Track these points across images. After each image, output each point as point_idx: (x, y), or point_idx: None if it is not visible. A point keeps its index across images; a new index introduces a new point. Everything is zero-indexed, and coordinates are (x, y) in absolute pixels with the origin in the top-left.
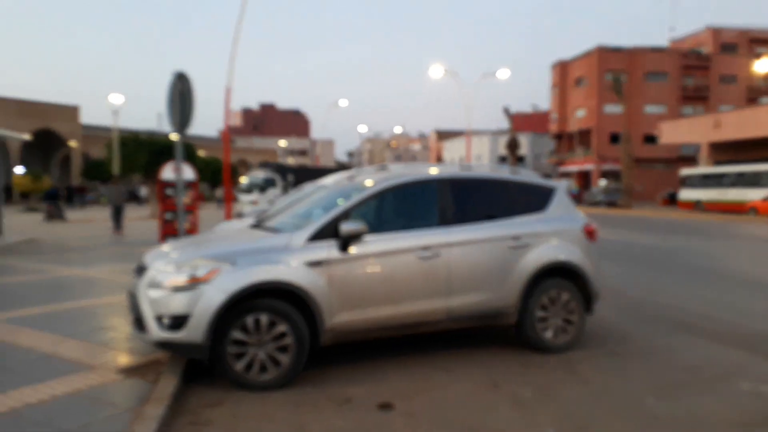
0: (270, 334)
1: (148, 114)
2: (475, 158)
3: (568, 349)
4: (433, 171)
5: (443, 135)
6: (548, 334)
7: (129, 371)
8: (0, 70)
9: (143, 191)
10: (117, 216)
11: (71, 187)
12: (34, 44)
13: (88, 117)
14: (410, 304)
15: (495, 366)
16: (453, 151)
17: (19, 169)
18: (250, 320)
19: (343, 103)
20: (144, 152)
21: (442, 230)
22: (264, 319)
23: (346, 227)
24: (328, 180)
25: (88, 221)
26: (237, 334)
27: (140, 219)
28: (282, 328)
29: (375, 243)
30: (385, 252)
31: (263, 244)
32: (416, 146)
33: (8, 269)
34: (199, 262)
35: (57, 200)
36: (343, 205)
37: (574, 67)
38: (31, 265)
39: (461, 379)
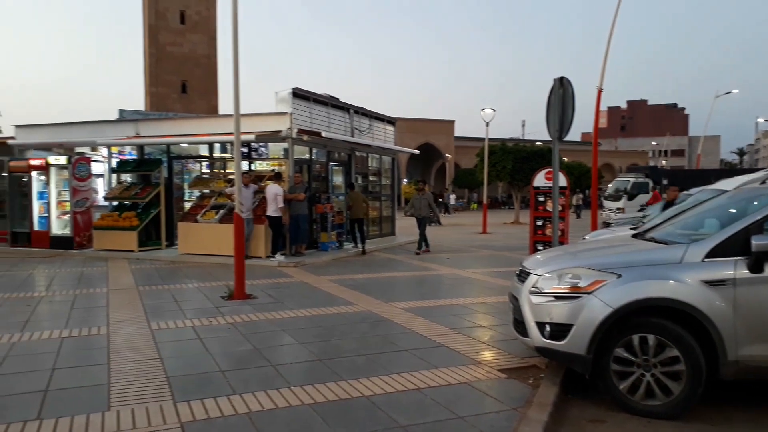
0: (658, 357)
1: (514, 121)
2: None
3: None
4: None
5: None
6: None
7: (509, 371)
8: (396, 96)
9: (452, 200)
10: (422, 230)
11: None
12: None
13: (458, 130)
14: None
15: None
16: None
17: (404, 180)
18: (635, 339)
19: (733, 91)
20: (509, 159)
21: None
22: (652, 339)
23: (761, 242)
24: (726, 184)
25: (458, 225)
26: (621, 352)
27: (504, 224)
28: (673, 352)
29: None
30: None
31: (651, 257)
32: None
33: (403, 265)
34: (581, 272)
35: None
36: (755, 214)
37: None
38: (417, 263)
39: None
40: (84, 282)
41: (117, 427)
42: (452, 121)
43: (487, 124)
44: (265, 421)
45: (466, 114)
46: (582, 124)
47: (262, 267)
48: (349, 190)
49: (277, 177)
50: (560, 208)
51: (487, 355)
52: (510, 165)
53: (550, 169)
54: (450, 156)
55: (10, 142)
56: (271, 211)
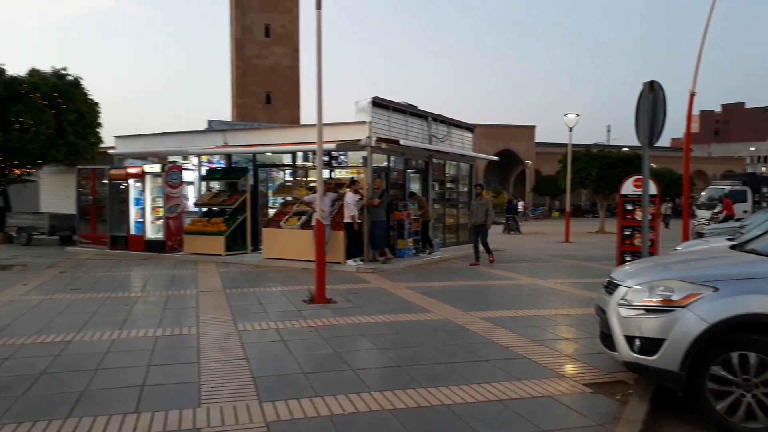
0: (760, 377)
1: (598, 127)
2: None
3: None
4: None
5: None
6: None
7: (595, 386)
8: (474, 101)
9: (520, 207)
10: (480, 239)
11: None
12: (491, 71)
13: (539, 135)
14: None
15: None
16: None
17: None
18: (735, 357)
19: None
20: (594, 166)
21: None
22: (753, 358)
23: None
24: None
25: (538, 234)
26: (718, 370)
27: (588, 233)
28: None
29: None
30: None
31: (752, 270)
32: None
33: (480, 274)
34: (674, 284)
35: (515, 214)
36: None
37: None
38: (498, 272)
39: None
40: (175, 284)
41: (207, 423)
42: (533, 127)
43: (571, 129)
44: (346, 424)
45: (549, 119)
46: (672, 129)
47: (340, 272)
48: (412, 196)
49: (352, 184)
50: (650, 217)
51: (572, 368)
52: (595, 172)
53: (639, 177)
54: (530, 162)
55: (110, 151)
56: (347, 218)
